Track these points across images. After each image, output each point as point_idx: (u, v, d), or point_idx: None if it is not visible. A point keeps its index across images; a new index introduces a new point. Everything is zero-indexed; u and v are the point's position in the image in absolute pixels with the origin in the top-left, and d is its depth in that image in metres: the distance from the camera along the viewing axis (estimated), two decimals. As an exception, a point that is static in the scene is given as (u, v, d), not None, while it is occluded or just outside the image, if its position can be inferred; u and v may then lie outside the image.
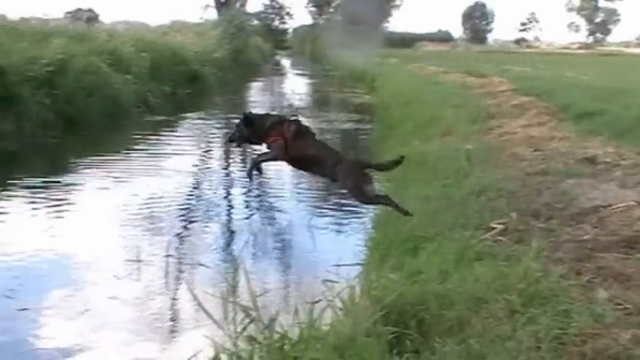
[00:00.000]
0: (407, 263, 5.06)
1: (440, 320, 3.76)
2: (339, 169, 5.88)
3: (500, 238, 5.71)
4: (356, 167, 5.94)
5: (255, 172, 6.13)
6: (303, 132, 6.25)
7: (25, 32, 16.81)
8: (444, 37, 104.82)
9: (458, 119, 13.29)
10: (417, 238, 5.82)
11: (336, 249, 7.43)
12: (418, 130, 12.55)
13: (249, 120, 6.11)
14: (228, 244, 7.79)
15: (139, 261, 6.69)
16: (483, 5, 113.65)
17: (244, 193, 10.51)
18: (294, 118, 6.25)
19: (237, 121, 6.14)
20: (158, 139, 15.44)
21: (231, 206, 9.68)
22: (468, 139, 10.82)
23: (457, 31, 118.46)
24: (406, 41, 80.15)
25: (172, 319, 5.44)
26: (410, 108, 16.10)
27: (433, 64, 35.49)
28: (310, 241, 7.68)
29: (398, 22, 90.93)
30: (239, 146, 6.48)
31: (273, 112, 6.51)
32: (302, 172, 6.60)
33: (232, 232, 8.23)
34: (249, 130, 6.09)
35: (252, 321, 3.16)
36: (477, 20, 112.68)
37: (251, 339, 3.15)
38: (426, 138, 11.20)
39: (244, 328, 3.16)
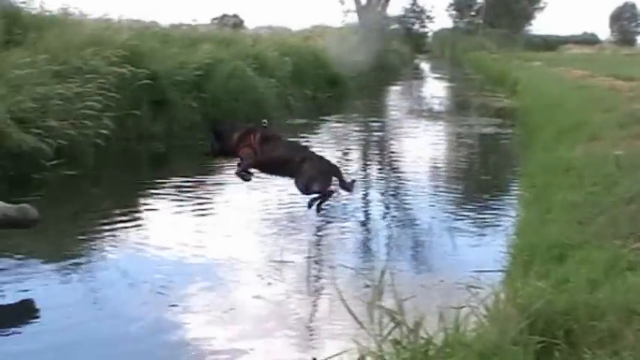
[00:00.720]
0: (553, 271, 4.92)
1: (589, 331, 3.64)
2: (306, 165, 5.90)
3: (654, 247, 5.45)
4: (322, 169, 5.96)
5: (245, 176, 6.23)
6: (268, 137, 6.29)
7: (175, 38, 17.52)
8: (589, 40, 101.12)
9: (605, 124, 12.79)
10: (564, 246, 5.64)
11: (476, 253, 7.33)
12: (562, 135, 12.17)
13: (218, 134, 6.18)
14: (368, 245, 7.83)
15: (282, 261, 6.80)
16: (633, 6, 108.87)
17: (382, 194, 10.54)
18: (263, 125, 6.31)
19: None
20: (299, 142, 15.69)
21: (369, 207, 9.71)
22: (616, 145, 10.40)
23: (604, 33, 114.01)
24: (550, 44, 77.96)
25: (315, 320, 5.51)
26: (554, 112, 15.63)
27: (578, 67, 34.30)
28: (450, 244, 7.59)
29: (542, 24, 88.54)
30: (215, 157, 6.56)
31: (242, 124, 6.48)
32: (274, 175, 6.57)
33: (371, 234, 8.25)
34: (220, 143, 6.17)
35: (397, 325, 3.17)
36: (625, 22, 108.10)
37: (396, 343, 3.17)
38: (571, 143, 10.85)
39: (390, 332, 3.18)
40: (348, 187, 6.55)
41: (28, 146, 9.98)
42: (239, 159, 6.21)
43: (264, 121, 6.81)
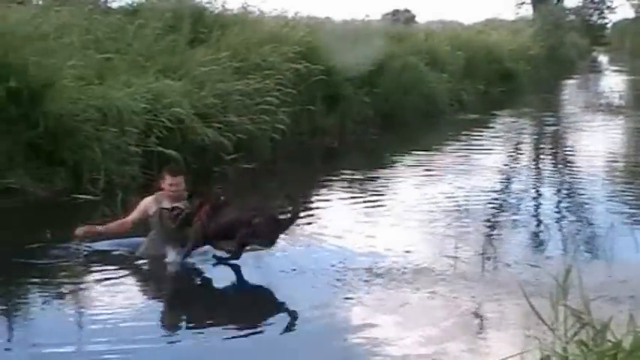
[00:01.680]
0: None
1: None
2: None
3: None
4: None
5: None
6: (217, 207, 6.09)
7: (349, 34, 17.73)
8: None
9: None
10: None
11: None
12: None
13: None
14: (543, 241, 7.59)
15: (455, 257, 6.73)
16: None
17: (556, 190, 10.23)
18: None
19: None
20: (470, 137, 15.54)
21: (542, 203, 9.45)
22: None
23: None
24: None
25: (492, 318, 5.40)
26: None
27: None
28: (632, 241, 7.17)
29: None
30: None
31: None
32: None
33: (545, 229, 7.99)
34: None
35: (583, 325, 3.07)
36: None
37: (581, 344, 3.07)
38: None
39: (576, 333, 3.08)
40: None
41: (209, 140, 10.44)
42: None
43: (221, 196, 6.88)
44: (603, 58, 57.58)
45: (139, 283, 6.27)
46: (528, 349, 3.26)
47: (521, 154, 14.53)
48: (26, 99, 8.65)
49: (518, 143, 15.86)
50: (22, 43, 9.11)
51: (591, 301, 3.37)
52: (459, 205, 9.05)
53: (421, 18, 37.51)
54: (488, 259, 6.78)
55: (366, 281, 6.09)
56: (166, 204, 6.39)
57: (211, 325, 5.26)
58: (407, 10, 39.48)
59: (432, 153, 13.60)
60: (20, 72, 8.68)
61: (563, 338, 3.11)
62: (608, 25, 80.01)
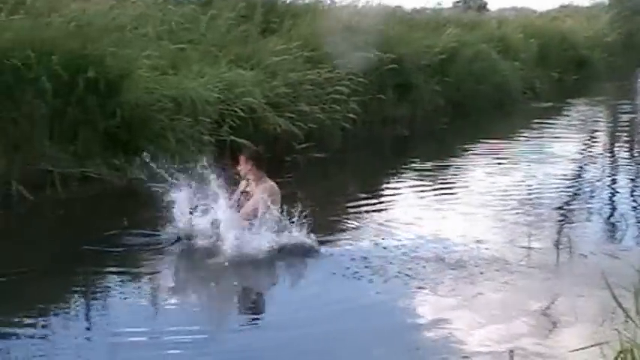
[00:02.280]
0: None
1: None
2: None
3: None
4: None
5: None
6: None
7: (420, 23, 17.61)
8: None
9: None
10: None
11: None
12: None
13: None
14: (618, 232, 7.42)
15: (529, 247, 6.64)
16: None
17: (633, 180, 9.99)
18: None
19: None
20: (543, 125, 15.28)
21: (617, 193, 9.24)
22: None
23: None
24: None
25: (567, 308, 5.30)
26: None
27: None
28: None
29: None
30: None
31: None
32: None
33: (621, 220, 7.81)
34: None
35: (665, 317, 3.01)
36: None
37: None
38: None
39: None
40: None
41: (281, 130, 10.52)
42: None
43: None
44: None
45: (216, 272, 6.25)
46: (607, 340, 3.19)
47: (596, 142, 14.20)
48: (104, 89, 8.83)
49: (593, 131, 15.53)
50: (100, 35, 9.30)
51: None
52: (531, 195, 8.94)
53: (493, 5, 36.92)
54: (563, 249, 6.66)
55: (437, 271, 6.05)
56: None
57: (284, 314, 5.28)
58: (479, -2, 38.91)
59: (504, 142, 13.40)
60: (98, 63, 8.86)
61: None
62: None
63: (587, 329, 4.74)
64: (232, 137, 9.73)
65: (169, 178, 6.34)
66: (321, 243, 6.50)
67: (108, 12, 10.19)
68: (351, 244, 6.82)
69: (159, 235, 6.58)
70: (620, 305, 3.09)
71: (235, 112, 10.01)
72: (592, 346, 3.21)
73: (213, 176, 6.21)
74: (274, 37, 12.39)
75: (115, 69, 9.04)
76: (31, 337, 4.67)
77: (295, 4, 14.53)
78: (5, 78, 8.03)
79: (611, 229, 7.59)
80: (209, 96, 9.82)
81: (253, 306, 5.75)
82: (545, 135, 14.19)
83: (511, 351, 4.18)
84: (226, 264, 6.02)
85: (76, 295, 5.56)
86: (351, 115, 12.11)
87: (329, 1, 15.53)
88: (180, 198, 6.42)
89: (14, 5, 8.93)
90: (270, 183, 6.65)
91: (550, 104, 18.59)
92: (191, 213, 6.41)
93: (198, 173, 6.33)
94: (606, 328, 4.07)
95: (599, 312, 4.70)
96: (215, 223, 6.30)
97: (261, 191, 6.48)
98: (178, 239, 6.45)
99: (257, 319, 5.38)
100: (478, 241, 6.83)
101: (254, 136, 9.95)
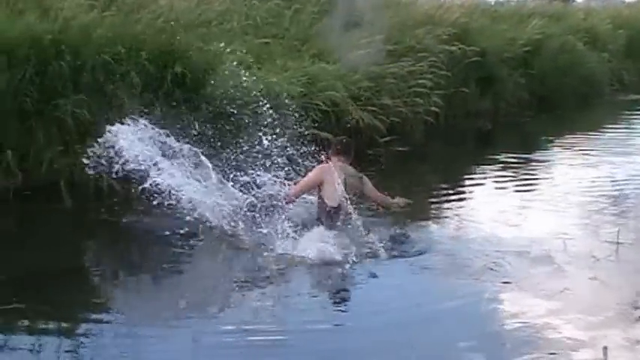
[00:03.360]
0: None
1: None
2: None
3: None
4: None
5: None
6: None
7: (504, 15, 17.36)
8: None
9: None
10: None
11: None
12: None
13: None
14: None
15: (617, 242, 6.51)
16: None
17: None
18: None
19: None
20: (631, 119, 14.91)
21: None
22: None
23: None
24: None
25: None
26: None
27: None
28: None
29: None
30: None
31: None
32: None
33: None
34: None
35: None
36: None
37: None
38: None
39: None
40: None
41: (363, 123, 10.56)
42: None
43: None
44: None
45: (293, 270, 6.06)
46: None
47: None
48: (190, 83, 9.02)
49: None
50: (186, 30, 9.50)
51: None
52: (618, 189, 8.75)
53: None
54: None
55: (523, 266, 5.98)
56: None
57: (367, 316, 5.18)
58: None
59: (590, 135, 13.13)
60: (184, 57, 9.05)
61: None
62: None
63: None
64: (316, 131, 9.80)
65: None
66: (405, 238, 6.52)
67: (194, 8, 10.39)
68: (434, 239, 6.79)
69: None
70: None
71: (318, 105, 10.08)
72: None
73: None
74: (357, 30, 12.41)
75: (201, 64, 9.21)
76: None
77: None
78: (97, 73, 8.29)
79: None
80: (293, 90, 9.90)
81: (337, 307, 5.57)
82: (633, 128, 13.84)
83: (605, 347, 4.13)
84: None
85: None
86: (433, 109, 12.05)
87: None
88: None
89: (106, 2, 9.21)
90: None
91: (639, 97, 18.07)
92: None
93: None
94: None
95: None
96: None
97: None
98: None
99: (341, 321, 5.22)
100: (564, 236, 6.71)
101: (336, 130, 10.01)
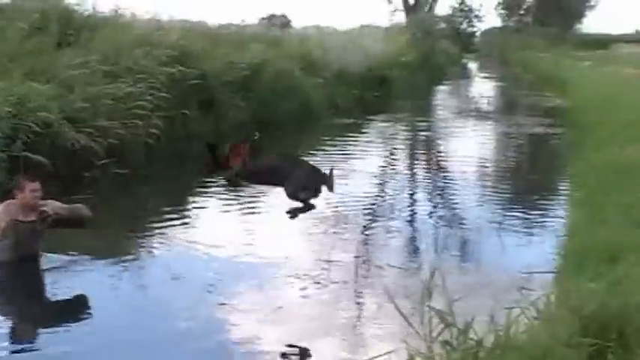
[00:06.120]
0: (606, 273, 4.83)
1: (643, 333, 3.57)
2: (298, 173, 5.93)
3: None
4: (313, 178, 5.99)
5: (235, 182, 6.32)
6: (257, 149, 6.33)
7: (224, 39, 17.63)
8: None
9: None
10: (617, 247, 5.54)
11: (526, 254, 7.26)
12: (615, 135, 11.97)
13: (212, 149, 6.29)
14: (415, 244, 7.79)
15: (329, 261, 6.80)
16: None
17: (429, 195, 10.48)
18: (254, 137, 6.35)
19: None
20: (346, 142, 15.71)
21: (415, 207, 9.67)
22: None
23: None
24: (601, 43, 76.45)
25: (363, 320, 5.48)
26: (605, 112, 15.38)
27: (631, 66, 33.73)
28: (499, 244, 7.50)
29: (593, 23, 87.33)
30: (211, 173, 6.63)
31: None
32: (264, 185, 6.60)
33: (418, 233, 8.22)
34: (213, 158, 6.27)
35: (447, 326, 3.15)
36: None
37: (445, 344, 3.14)
38: (622, 143, 10.66)
39: (440, 333, 3.15)
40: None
41: (80, 145, 10.13)
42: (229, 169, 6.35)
43: (256, 134, 6.89)
44: (473, 65, 59.58)
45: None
46: (394, 349, 3.30)
47: (395, 158, 14.79)
48: None
49: (393, 148, 16.14)
50: None
51: (455, 303, 3.46)
52: (335, 210, 9.11)
53: (297, 23, 37.80)
54: (363, 263, 6.89)
55: (242, 287, 6.09)
56: (19, 213, 6.21)
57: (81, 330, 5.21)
58: (283, 15, 39.68)
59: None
60: None
61: (428, 338, 3.18)
62: (477, 34, 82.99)
63: (378, 339, 4.93)
64: (26, 153, 9.24)
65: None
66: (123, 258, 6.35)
67: None
68: (155, 260, 6.70)
69: None
70: (402, 315, 3.21)
71: (30, 126, 9.50)
72: (379, 355, 3.31)
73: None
74: (71, 49, 11.94)
75: None
76: None
77: (94, 17, 14.09)
78: None
79: (408, 243, 7.91)
80: (0, 110, 9.27)
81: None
82: (347, 151, 14.56)
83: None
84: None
85: None
86: (154, 131, 11.86)
87: (129, 15, 15.21)
88: None
89: None
90: None
91: (351, 120, 19.10)
92: None
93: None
94: (395, 338, 4.21)
95: (391, 322, 4.87)
96: None
97: None
98: None
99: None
100: (281, 255, 6.92)
101: (51, 152, 9.53)
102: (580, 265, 5.38)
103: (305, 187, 6.02)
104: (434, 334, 3.18)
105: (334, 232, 8.05)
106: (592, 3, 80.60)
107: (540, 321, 3.68)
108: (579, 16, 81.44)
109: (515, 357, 3.17)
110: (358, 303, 5.85)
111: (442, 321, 3.18)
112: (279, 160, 6.30)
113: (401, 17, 49.19)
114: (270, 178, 6.23)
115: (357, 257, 7.03)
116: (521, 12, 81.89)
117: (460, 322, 3.39)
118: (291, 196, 6.04)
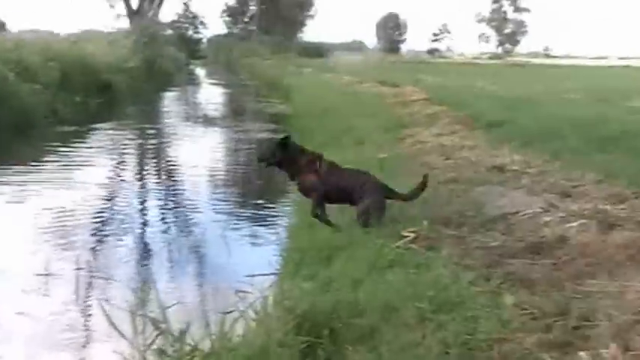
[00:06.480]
0: (321, 272, 5.09)
1: (351, 329, 3.79)
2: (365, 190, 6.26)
3: (412, 245, 5.80)
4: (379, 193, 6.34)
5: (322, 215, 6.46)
6: (333, 166, 6.58)
7: None
8: (358, 47, 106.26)
9: (372, 128, 13.46)
10: (332, 247, 5.85)
11: (250, 259, 7.43)
12: (333, 139, 12.64)
13: (286, 149, 6.42)
14: (141, 257, 7.68)
15: (48, 275, 6.53)
16: (397, 16, 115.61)
17: (158, 206, 10.38)
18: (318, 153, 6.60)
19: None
20: (69, 150, 15.08)
21: (144, 219, 9.54)
22: (381, 148, 10.98)
23: (371, 41, 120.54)
24: (322, 51, 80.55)
25: (82, 334, 5.32)
26: (324, 118, 16.21)
27: (347, 73, 35.87)
28: (224, 252, 7.63)
29: (313, 32, 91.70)
30: (268, 166, 6.69)
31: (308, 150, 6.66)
32: (336, 204, 6.73)
33: (145, 245, 8.12)
34: (285, 158, 6.41)
35: (160, 333, 3.12)
36: (390, 30, 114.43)
37: (161, 352, 3.12)
38: (340, 147, 11.29)
39: (153, 341, 3.12)
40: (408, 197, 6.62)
41: None
42: (300, 183, 6.33)
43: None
44: (200, 71, 60.03)
45: None
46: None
47: (122, 167, 14.44)
48: None
49: (120, 156, 15.75)
50: None
51: (175, 310, 3.46)
52: (57, 222, 8.74)
53: (13, 27, 35.75)
54: (86, 275, 6.67)
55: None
56: None
57: None
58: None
59: (26, 168, 12.87)
60: None
61: (141, 348, 3.14)
62: (204, 40, 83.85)
63: (99, 353, 4.80)
64: None
65: None
66: None
67: None
68: None
69: None
70: (114, 326, 3.15)
71: None
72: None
73: None
74: None
75: None
76: None
77: None
78: None
79: (133, 252, 7.79)
80: None
81: None
82: (71, 160, 13.98)
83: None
84: None
85: None
86: None
87: None
88: None
89: None
90: None
91: (74, 128, 18.40)
92: None
93: None
94: (112, 350, 4.13)
95: (107, 334, 4.77)
96: None
97: None
98: None
99: None
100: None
101: None
102: (298, 266, 5.61)
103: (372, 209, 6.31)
104: (147, 343, 3.14)
105: (56, 245, 7.72)
106: (311, 12, 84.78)
107: (257, 323, 3.78)
108: (300, 24, 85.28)
109: (230, 359, 3.22)
110: (77, 317, 5.65)
111: (156, 328, 3.15)
112: (351, 178, 6.39)
113: (125, 23, 48.32)
114: (344, 198, 6.52)
115: (78, 270, 6.79)
116: (246, 20, 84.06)
117: (177, 329, 3.38)
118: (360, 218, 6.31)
